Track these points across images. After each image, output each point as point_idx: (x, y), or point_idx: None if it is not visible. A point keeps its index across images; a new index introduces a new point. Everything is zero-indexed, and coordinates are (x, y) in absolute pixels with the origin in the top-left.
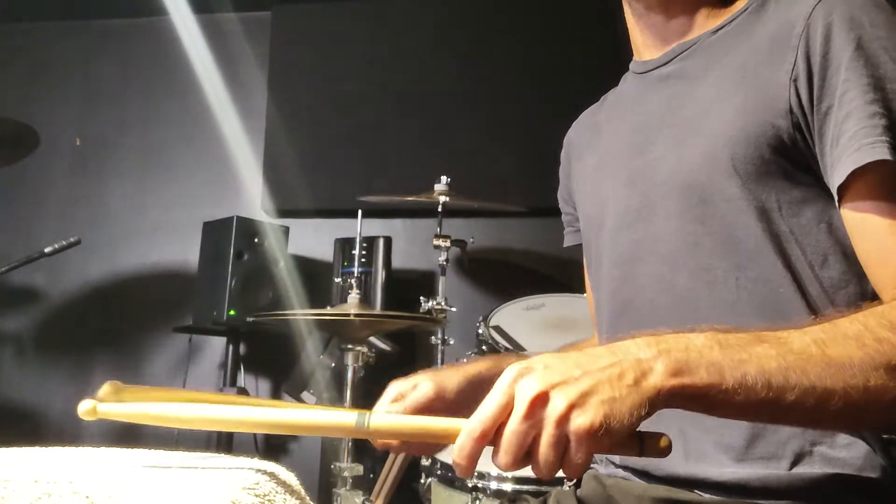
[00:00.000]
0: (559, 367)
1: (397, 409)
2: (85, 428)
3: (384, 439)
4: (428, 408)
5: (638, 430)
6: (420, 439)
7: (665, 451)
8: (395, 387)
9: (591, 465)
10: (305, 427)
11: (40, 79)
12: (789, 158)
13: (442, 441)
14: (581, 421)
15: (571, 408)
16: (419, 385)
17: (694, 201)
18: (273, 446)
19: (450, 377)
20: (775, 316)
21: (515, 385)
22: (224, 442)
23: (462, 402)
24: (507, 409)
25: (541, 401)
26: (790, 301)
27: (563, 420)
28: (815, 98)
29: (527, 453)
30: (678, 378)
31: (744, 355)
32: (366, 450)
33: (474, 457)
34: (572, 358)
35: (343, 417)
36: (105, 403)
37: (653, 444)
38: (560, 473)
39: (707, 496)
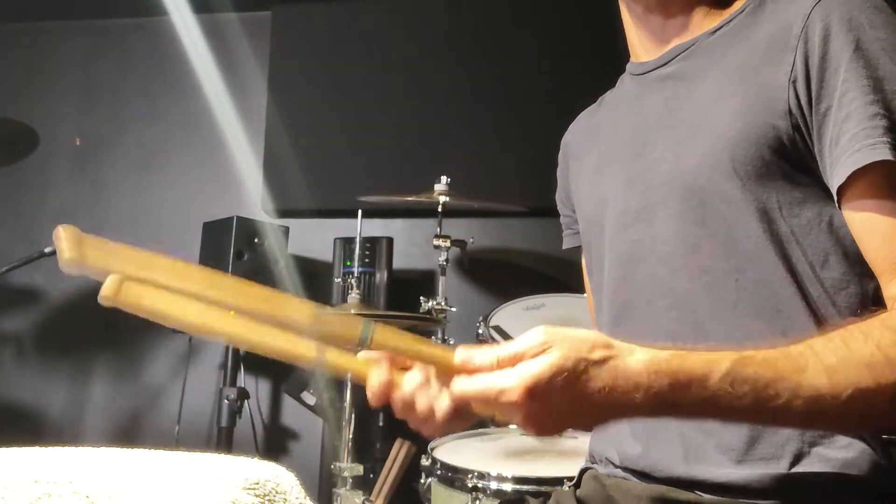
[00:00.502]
0: (561, 401)
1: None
2: (85, 428)
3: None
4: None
5: None
6: (414, 357)
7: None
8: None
9: (591, 466)
10: (309, 325)
11: (40, 79)
12: (789, 159)
13: (430, 363)
14: (522, 424)
15: (528, 424)
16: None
17: (694, 203)
18: (273, 446)
19: None
20: (776, 317)
21: (518, 379)
22: (224, 442)
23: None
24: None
25: (511, 403)
26: (790, 302)
27: (515, 414)
28: (813, 99)
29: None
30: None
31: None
32: (366, 450)
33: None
34: (575, 393)
35: (350, 323)
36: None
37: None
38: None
39: (707, 496)
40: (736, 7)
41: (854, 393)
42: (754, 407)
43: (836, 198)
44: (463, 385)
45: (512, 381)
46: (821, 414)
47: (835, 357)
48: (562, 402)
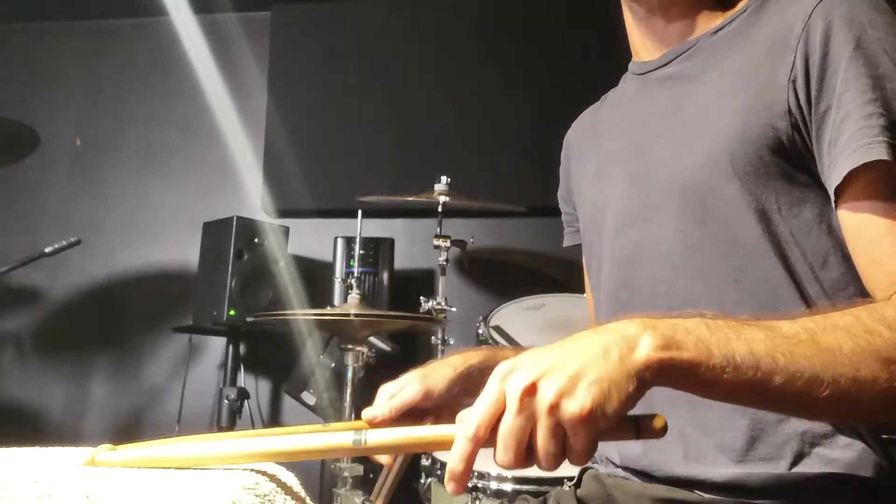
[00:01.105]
0: (545, 356)
1: (389, 406)
2: (85, 428)
3: (382, 454)
4: (417, 408)
5: (633, 413)
6: (416, 450)
7: (661, 432)
8: (386, 390)
9: (591, 465)
10: (303, 452)
11: (40, 79)
12: (789, 159)
13: (438, 448)
14: (573, 407)
15: (561, 395)
16: (407, 386)
17: (694, 203)
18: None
19: (438, 378)
20: None
21: (504, 382)
22: None
23: (453, 401)
24: (499, 407)
25: (530, 392)
26: (790, 302)
27: (555, 408)
28: (813, 99)
29: (527, 449)
30: (665, 352)
31: (732, 335)
32: None
33: (471, 460)
34: (558, 346)
35: (340, 438)
36: (104, 454)
37: (648, 425)
38: (565, 469)
39: (707, 496)
40: (737, 8)
41: (837, 350)
42: (727, 345)
43: (833, 199)
44: (498, 454)
45: (495, 383)
46: (804, 369)
47: (813, 322)
48: (553, 347)
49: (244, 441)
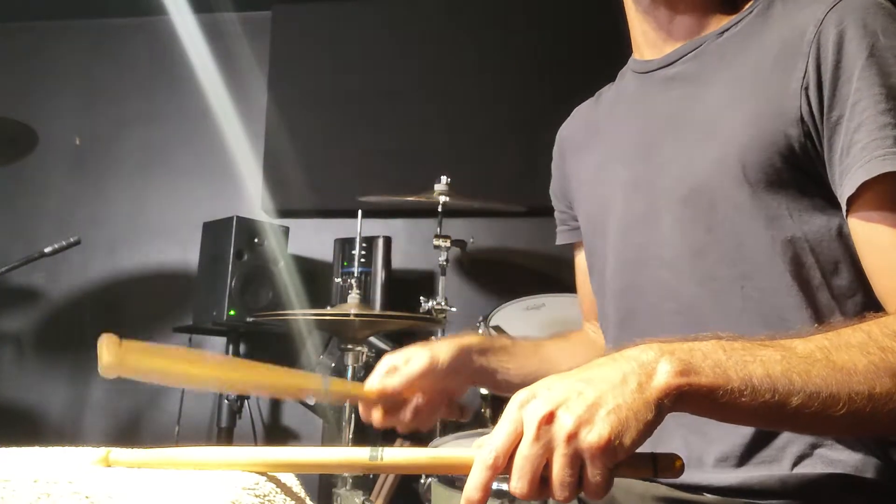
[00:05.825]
0: (563, 385)
1: (391, 382)
2: (85, 428)
3: (397, 472)
4: (421, 379)
5: (651, 452)
6: (432, 471)
7: (678, 472)
8: (389, 360)
9: None
10: (320, 465)
11: (40, 79)
12: (800, 167)
13: (453, 472)
14: (591, 436)
15: (580, 424)
16: (412, 358)
17: (702, 208)
18: (273, 446)
19: (442, 349)
20: (781, 325)
21: (522, 410)
22: (224, 442)
23: (454, 372)
24: (517, 436)
25: (548, 421)
26: (797, 310)
27: (573, 437)
28: (825, 107)
29: (542, 479)
30: (684, 378)
31: (748, 358)
32: None
33: (488, 488)
34: (575, 374)
35: (356, 454)
36: (118, 451)
37: (667, 465)
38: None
39: (710, 497)
40: (744, 8)
41: (851, 369)
42: (744, 369)
43: (844, 208)
44: (512, 482)
45: (513, 411)
46: (820, 389)
47: (827, 340)
48: (569, 375)
49: (258, 450)
